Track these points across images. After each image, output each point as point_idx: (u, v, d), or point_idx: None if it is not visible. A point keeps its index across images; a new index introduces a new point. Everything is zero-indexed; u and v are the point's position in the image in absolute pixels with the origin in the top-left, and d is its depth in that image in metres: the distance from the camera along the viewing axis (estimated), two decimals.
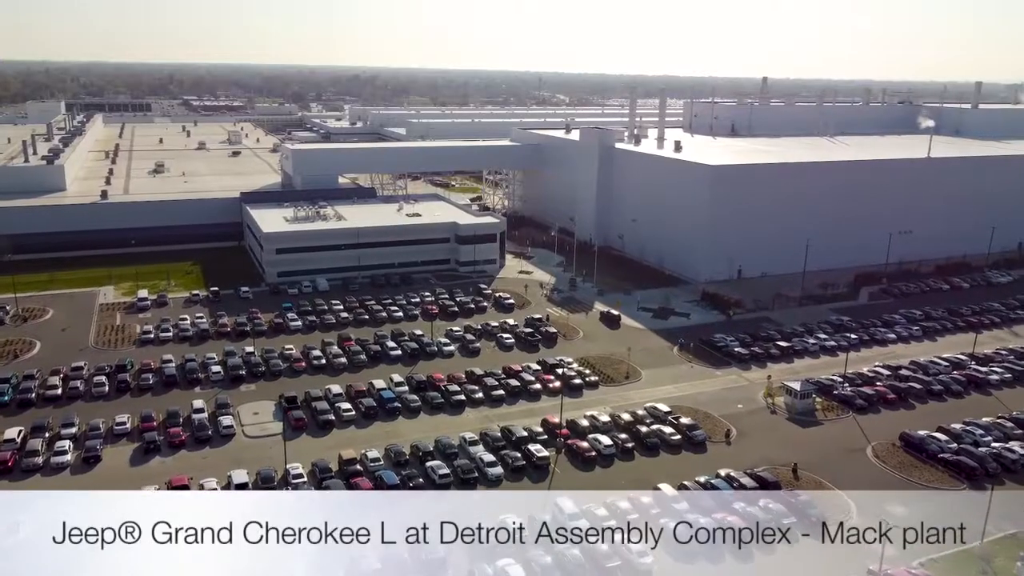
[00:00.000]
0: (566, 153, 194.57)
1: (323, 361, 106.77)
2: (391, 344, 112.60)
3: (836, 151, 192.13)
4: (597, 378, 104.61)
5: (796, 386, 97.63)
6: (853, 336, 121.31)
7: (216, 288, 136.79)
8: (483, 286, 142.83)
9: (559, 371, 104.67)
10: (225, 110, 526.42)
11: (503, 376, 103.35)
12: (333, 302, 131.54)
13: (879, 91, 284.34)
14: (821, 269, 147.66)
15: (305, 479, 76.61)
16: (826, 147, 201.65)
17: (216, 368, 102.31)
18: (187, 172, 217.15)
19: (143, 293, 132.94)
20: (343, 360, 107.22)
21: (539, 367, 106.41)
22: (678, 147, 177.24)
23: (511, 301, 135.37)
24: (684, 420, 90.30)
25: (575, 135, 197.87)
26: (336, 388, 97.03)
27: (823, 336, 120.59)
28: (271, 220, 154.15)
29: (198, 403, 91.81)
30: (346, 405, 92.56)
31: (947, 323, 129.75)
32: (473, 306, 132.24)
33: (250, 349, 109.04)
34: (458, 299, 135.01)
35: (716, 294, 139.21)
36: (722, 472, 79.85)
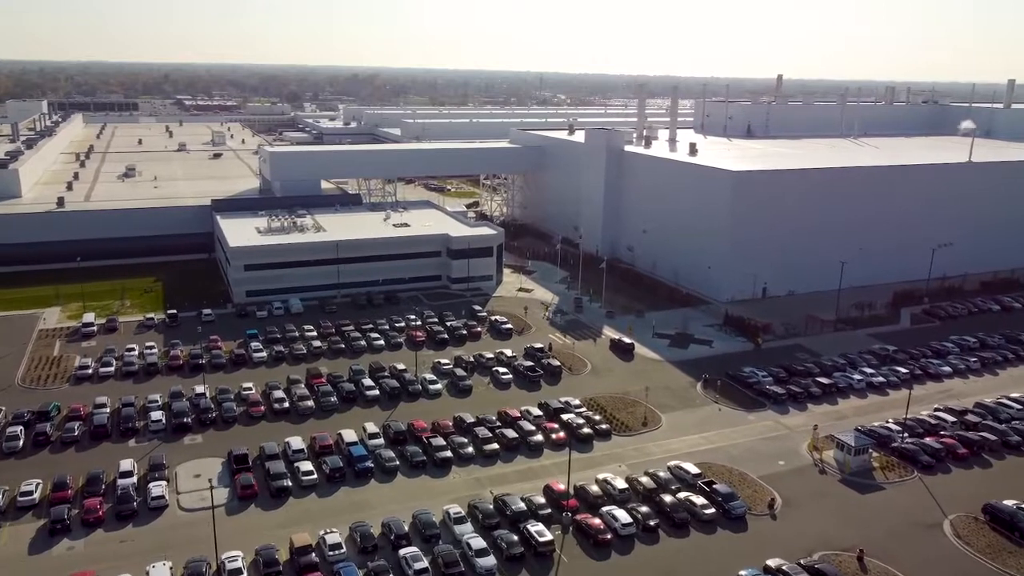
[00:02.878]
0: (570, 156, 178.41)
1: (286, 405, 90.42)
2: (368, 382, 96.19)
3: (865, 154, 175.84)
4: (608, 425, 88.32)
5: (849, 440, 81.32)
6: (903, 370, 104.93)
7: (174, 311, 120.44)
8: (477, 307, 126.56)
9: (564, 417, 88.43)
10: (218, 109, 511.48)
11: (498, 424, 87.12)
12: (306, 327, 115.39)
13: (902, 90, 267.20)
14: (854, 286, 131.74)
15: (245, 574, 60.51)
16: (853, 150, 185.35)
17: (157, 415, 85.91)
18: (160, 176, 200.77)
19: (89, 317, 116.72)
20: (310, 403, 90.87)
21: (540, 413, 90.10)
22: (693, 150, 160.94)
23: (509, 326, 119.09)
24: (718, 486, 73.97)
25: (580, 136, 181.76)
26: (297, 442, 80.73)
27: (869, 370, 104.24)
28: (241, 232, 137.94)
29: (126, 464, 75.49)
30: (307, 466, 76.18)
31: (1007, 352, 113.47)
32: (465, 332, 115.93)
33: (201, 389, 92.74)
34: (449, 323, 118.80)
35: (741, 318, 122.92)
36: (771, 563, 63.68)
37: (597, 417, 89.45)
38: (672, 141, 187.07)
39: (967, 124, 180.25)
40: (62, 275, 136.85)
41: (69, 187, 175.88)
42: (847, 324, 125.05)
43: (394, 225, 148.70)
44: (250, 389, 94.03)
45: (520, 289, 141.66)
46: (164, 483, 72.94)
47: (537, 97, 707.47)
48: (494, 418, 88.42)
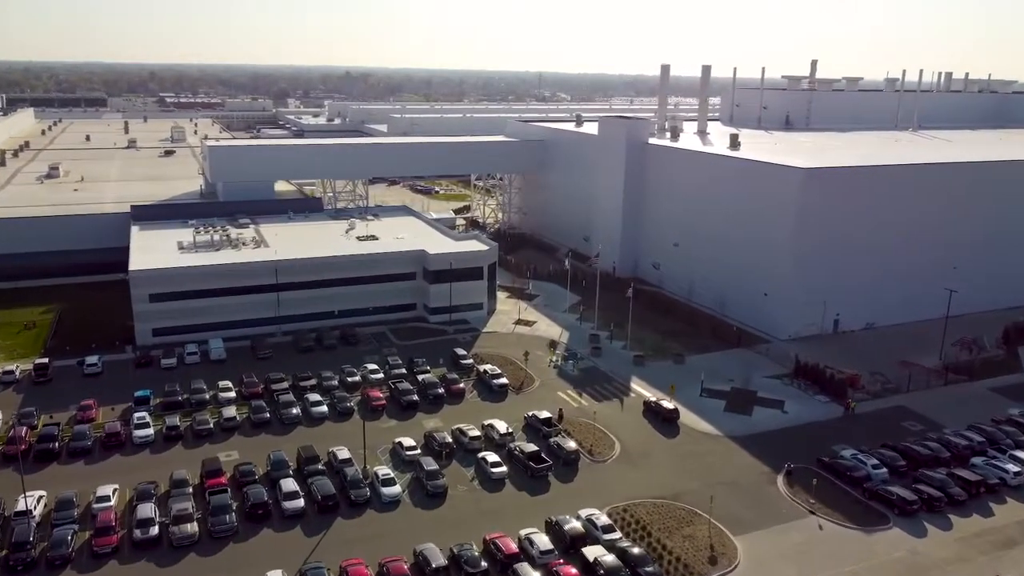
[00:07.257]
0: (580, 151, 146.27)
1: (154, 531, 58.09)
2: (290, 486, 63.83)
3: (939, 149, 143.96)
4: (657, 566, 56.09)
5: None
6: None
7: (45, 359, 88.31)
8: (461, 352, 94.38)
9: (588, 554, 56.18)
10: (200, 107, 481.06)
11: (483, 567, 54.90)
12: (222, 385, 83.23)
13: (957, 79, 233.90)
14: (944, 315, 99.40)
15: None
16: (920, 144, 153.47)
17: None
18: (90, 177, 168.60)
19: None
20: (191, 528, 58.55)
21: (550, 543, 57.74)
22: (735, 143, 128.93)
23: (503, 380, 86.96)
24: None
25: (591, 128, 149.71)
26: None
27: (1021, 454, 72.04)
28: (154, 248, 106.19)
29: None
30: None
31: None
32: (443, 391, 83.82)
33: (24, 504, 60.25)
34: (421, 377, 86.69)
35: (817, 366, 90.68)
36: None
37: (636, 551, 57.04)
38: (702, 133, 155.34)
39: None
40: None
41: None
42: (958, 373, 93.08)
43: (359, 238, 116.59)
44: (108, 499, 61.77)
45: (519, 321, 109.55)
46: None
47: (536, 95, 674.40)
48: (476, 554, 56.19)
